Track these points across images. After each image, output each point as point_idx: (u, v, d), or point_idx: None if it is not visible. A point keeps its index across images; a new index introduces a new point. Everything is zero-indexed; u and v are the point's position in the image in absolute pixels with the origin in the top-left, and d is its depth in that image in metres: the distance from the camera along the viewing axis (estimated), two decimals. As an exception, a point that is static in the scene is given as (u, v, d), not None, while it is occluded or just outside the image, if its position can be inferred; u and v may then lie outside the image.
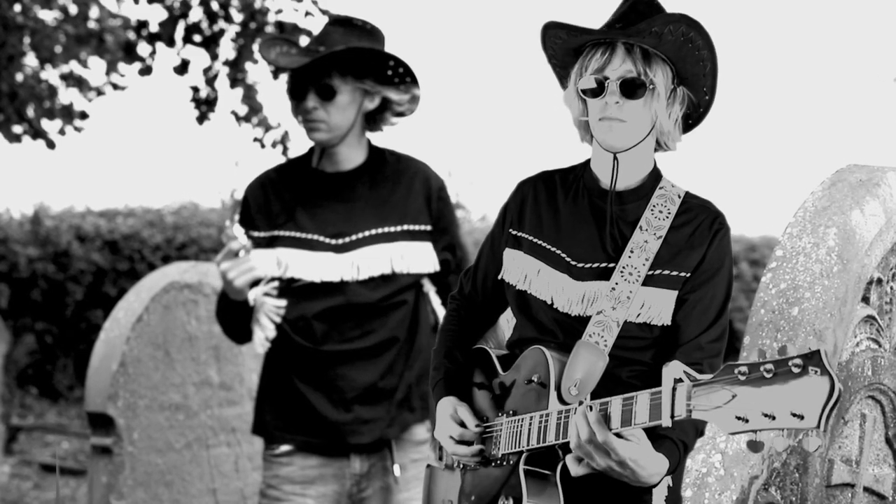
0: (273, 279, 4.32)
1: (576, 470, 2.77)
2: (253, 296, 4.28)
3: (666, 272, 2.96)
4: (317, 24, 10.28)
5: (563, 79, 3.13)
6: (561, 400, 2.89)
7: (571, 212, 3.09)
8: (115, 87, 11.06)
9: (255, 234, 4.35)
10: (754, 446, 2.40)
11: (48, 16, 10.46)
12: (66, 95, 11.05)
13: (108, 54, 10.58)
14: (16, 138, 10.57)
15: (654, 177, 3.08)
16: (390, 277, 4.35)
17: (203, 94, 10.60)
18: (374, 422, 4.35)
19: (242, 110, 10.63)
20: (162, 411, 5.91)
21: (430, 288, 4.48)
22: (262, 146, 10.67)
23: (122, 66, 10.84)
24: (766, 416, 2.36)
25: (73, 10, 10.50)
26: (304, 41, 9.23)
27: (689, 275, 2.97)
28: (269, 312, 4.31)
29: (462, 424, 3.10)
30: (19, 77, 10.51)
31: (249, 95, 10.54)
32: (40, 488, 10.07)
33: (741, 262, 15.92)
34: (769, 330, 3.50)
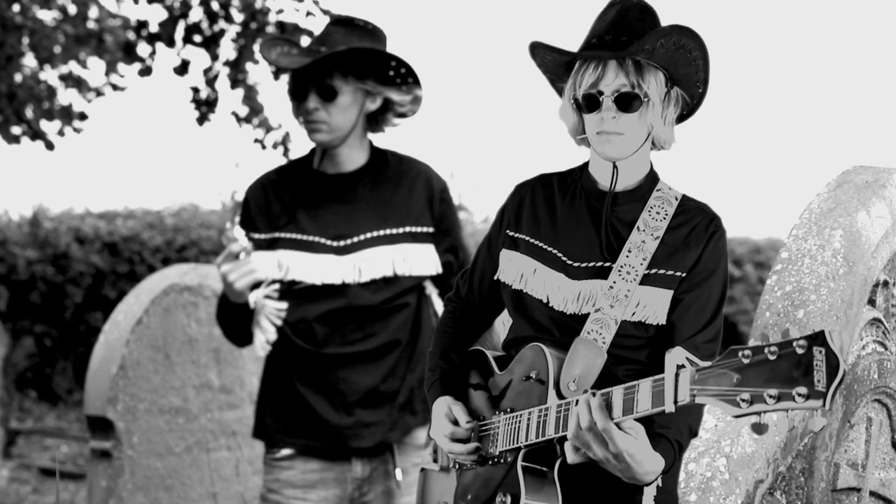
0: (274, 281, 4.32)
1: (572, 457, 2.80)
2: (254, 298, 4.29)
3: (662, 271, 2.99)
4: (318, 25, 10.29)
5: (556, 84, 3.18)
6: (560, 396, 2.91)
7: (568, 213, 3.12)
8: (115, 87, 11.06)
9: (256, 235, 4.35)
10: (759, 429, 2.41)
11: (47, 16, 10.47)
12: (65, 96, 11.07)
13: (107, 55, 10.59)
14: (14, 139, 10.58)
15: (651, 179, 3.11)
16: (392, 280, 4.35)
17: (203, 94, 10.60)
18: (375, 425, 4.34)
19: (243, 111, 10.64)
20: (162, 415, 5.91)
21: (432, 290, 4.48)
22: (263, 147, 10.68)
23: (121, 66, 10.84)
24: (770, 397, 2.37)
25: (73, 9, 10.50)
26: (304, 41, 9.24)
27: (684, 275, 2.99)
28: (270, 315, 4.31)
29: (456, 423, 3.13)
30: (18, 78, 10.52)
31: (250, 96, 10.55)
32: (39, 492, 10.07)
33: (746, 264, 15.92)
34: (774, 333, 3.50)
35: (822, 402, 2.31)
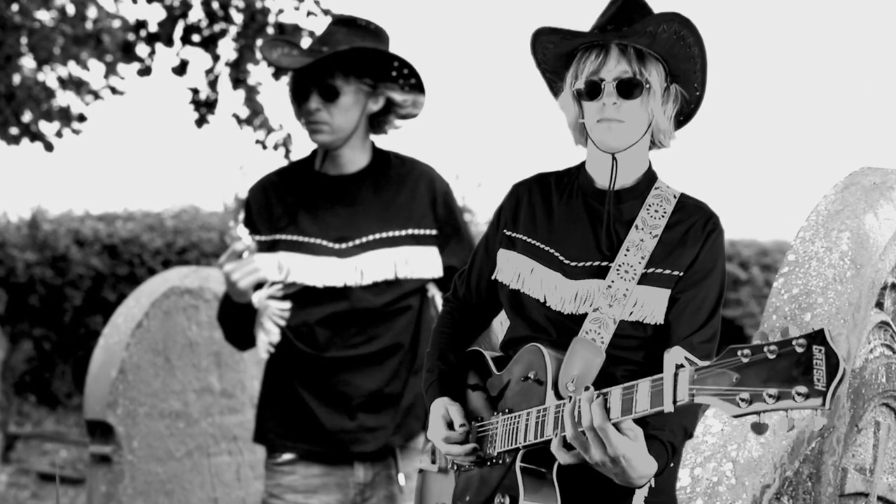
0: (275, 283, 4.32)
1: (563, 457, 2.81)
2: (257, 299, 4.28)
3: (659, 270, 3.00)
4: (318, 25, 10.30)
5: (553, 85, 3.19)
6: (558, 396, 2.92)
7: (565, 212, 3.14)
8: (114, 91, 11.08)
9: (257, 238, 4.35)
10: (759, 428, 2.41)
11: (45, 16, 10.47)
12: (64, 98, 11.08)
13: (107, 55, 10.60)
14: (14, 140, 10.59)
15: (650, 177, 3.13)
16: (395, 282, 4.35)
17: (203, 95, 10.60)
18: (378, 429, 4.34)
19: (244, 113, 10.64)
20: (162, 419, 5.91)
21: (435, 292, 4.47)
22: (264, 147, 10.68)
23: (121, 69, 10.85)
24: (770, 396, 2.37)
25: (71, 9, 10.51)
26: (305, 42, 9.24)
27: (681, 273, 3.00)
28: (273, 316, 4.31)
29: (452, 425, 3.14)
30: (17, 78, 10.53)
31: (251, 97, 10.55)
32: (38, 497, 10.08)
33: (752, 266, 15.92)
34: (778, 335, 3.50)
35: (821, 401, 2.32)
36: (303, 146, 11.06)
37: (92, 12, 10.57)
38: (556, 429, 2.86)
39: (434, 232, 4.41)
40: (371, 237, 4.35)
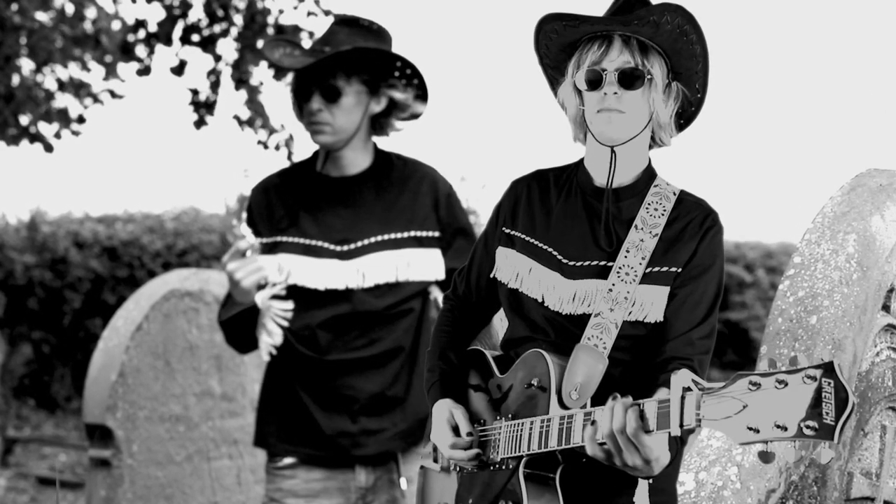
0: (277, 283, 4.32)
1: (594, 450, 2.78)
2: (259, 299, 4.28)
3: (657, 268, 3.01)
4: (318, 25, 10.31)
5: (553, 81, 3.19)
6: (561, 404, 2.92)
7: (564, 210, 3.14)
8: (114, 95, 11.09)
9: (258, 239, 4.35)
10: (766, 457, 2.41)
11: (44, 17, 10.48)
12: (62, 100, 11.08)
13: (106, 55, 10.60)
14: (13, 140, 10.60)
15: (649, 174, 3.13)
16: (396, 285, 4.35)
17: (203, 96, 10.61)
18: (380, 433, 4.34)
19: (245, 114, 10.64)
20: (162, 423, 5.92)
21: (437, 295, 4.47)
22: (266, 148, 10.68)
23: (121, 71, 10.86)
24: (778, 427, 2.37)
25: (70, 9, 10.51)
26: (305, 43, 9.24)
27: (679, 270, 3.01)
28: (276, 317, 4.30)
29: (457, 429, 3.14)
30: (15, 79, 10.53)
31: (253, 98, 10.55)
32: (37, 502, 10.08)
33: (758, 269, 15.91)
34: (787, 339, 3.50)
35: (830, 435, 2.32)
36: (305, 147, 11.07)
37: (91, 13, 10.57)
38: (560, 441, 2.86)
39: (437, 234, 4.40)
40: (373, 239, 4.35)
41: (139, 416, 5.79)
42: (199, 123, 10.65)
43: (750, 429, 2.41)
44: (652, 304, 2.98)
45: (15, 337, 13.36)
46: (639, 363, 3.00)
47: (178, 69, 10.38)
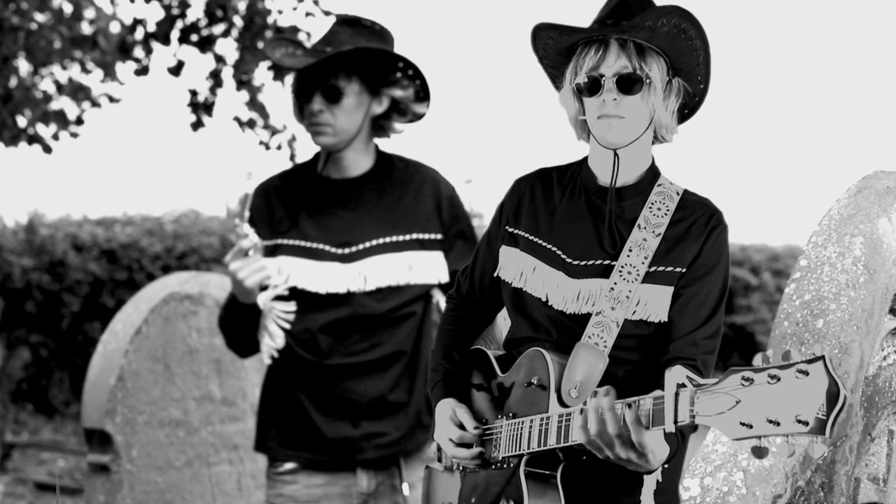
0: (279, 285, 4.32)
1: (582, 437, 2.81)
2: (261, 300, 4.27)
3: (661, 268, 3.03)
4: (318, 26, 10.34)
5: (555, 79, 3.21)
6: (561, 402, 2.95)
7: (568, 209, 3.17)
8: (111, 99, 11.12)
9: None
10: (759, 452, 2.44)
11: (42, 18, 10.49)
12: (60, 102, 11.09)
13: (105, 56, 10.61)
14: (12, 141, 10.62)
15: (652, 174, 3.15)
16: (398, 288, 4.35)
17: (202, 97, 10.61)
18: (381, 437, 4.34)
19: (245, 116, 10.65)
20: (162, 427, 5.91)
21: (440, 298, 4.47)
22: (268, 148, 10.69)
23: (120, 74, 10.88)
24: (770, 422, 2.39)
25: (69, 9, 10.53)
26: (305, 43, 9.25)
27: (684, 270, 3.04)
28: (278, 319, 4.30)
29: (461, 427, 3.18)
30: (13, 81, 10.55)
31: (254, 99, 10.56)
32: (35, 507, 10.09)
33: (764, 272, 15.91)
34: (793, 342, 3.49)
35: (822, 429, 2.34)
36: (308, 147, 11.07)
37: (90, 13, 10.58)
38: (559, 439, 2.89)
39: (439, 236, 4.40)
40: (375, 242, 4.34)
41: (138, 421, 5.79)
42: (197, 125, 10.66)
43: (743, 424, 2.44)
44: (655, 303, 3.01)
45: (13, 341, 13.36)
46: (644, 363, 3.02)
47: (176, 69, 10.39)
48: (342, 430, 4.31)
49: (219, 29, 10.34)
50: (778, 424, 2.37)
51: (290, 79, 4.51)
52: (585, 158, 3.21)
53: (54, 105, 10.93)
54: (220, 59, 10.47)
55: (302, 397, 4.33)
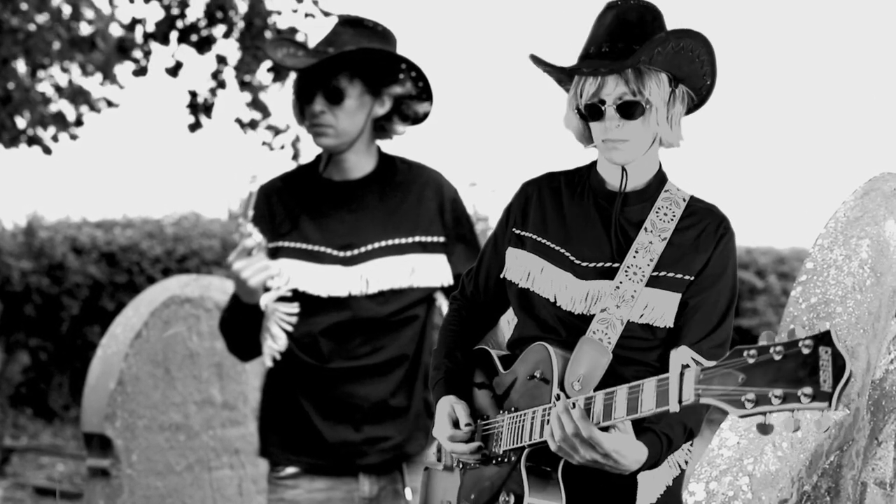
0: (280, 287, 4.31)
1: (556, 448, 2.90)
2: (264, 301, 4.27)
3: (670, 274, 3.08)
4: (317, 26, 10.34)
5: (563, 83, 3.25)
6: (564, 395, 2.99)
7: (577, 212, 3.21)
8: (110, 104, 11.13)
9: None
10: (764, 429, 2.46)
11: (41, 19, 10.50)
12: (60, 104, 11.11)
13: (103, 57, 10.62)
14: (12, 142, 10.63)
15: (660, 179, 3.21)
16: (401, 291, 4.35)
17: (201, 98, 10.61)
18: (384, 442, 4.34)
19: (247, 117, 10.65)
20: (162, 432, 5.92)
21: (442, 301, 4.46)
22: (271, 149, 10.69)
23: (120, 78, 10.89)
24: (776, 397, 2.42)
25: (67, 10, 10.53)
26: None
27: (692, 278, 3.09)
28: (280, 321, 4.30)
29: (458, 423, 3.21)
30: (12, 83, 10.56)
31: (256, 100, 10.57)
32: (34, 512, 10.10)
33: (770, 275, 15.90)
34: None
35: (828, 402, 2.36)
36: (312, 148, 11.06)
37: (89, 14, 10.59)
38: None
39: (442, 239, 4.40)
40: (377, 245, 4.34)
41: (138, 425, 5.79)
42: (195, 126, 10.66)
43: (749, 401, 2.47)
44: (662, 308, 3.06)
45: (12, 344, 13.36)
46: (652, 367, 3.04)
47: (174, 70, 10.39)
48: (344, 435, 4.31)
49: (219, 30, 10.35)
50: (784, 399, 2.40)
51: (291, 79, 4.50)
52: (594, 163, 3.27)
53: (53, 107, 10.94)
54: (221, 60, 10.47)
55: (303, 401, 4.33)
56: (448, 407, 3.24)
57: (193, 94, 10.60)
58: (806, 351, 2.39)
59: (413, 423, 4.39)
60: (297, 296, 4.31)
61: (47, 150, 10.84)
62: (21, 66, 10.69)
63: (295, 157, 10.69)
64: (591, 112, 3.07)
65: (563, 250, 3.17)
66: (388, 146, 4.52)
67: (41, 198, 24.35)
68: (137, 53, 10.64)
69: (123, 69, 10.91)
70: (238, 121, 10.64)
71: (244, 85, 10.49)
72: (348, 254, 4.33)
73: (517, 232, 3.27)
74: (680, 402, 2.63)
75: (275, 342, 4.31)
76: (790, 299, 3.63)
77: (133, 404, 5.78)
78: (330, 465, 4.33)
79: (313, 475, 4.35)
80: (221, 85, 10.54)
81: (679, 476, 3.17)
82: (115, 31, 10.72)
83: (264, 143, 10.71)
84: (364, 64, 4.30)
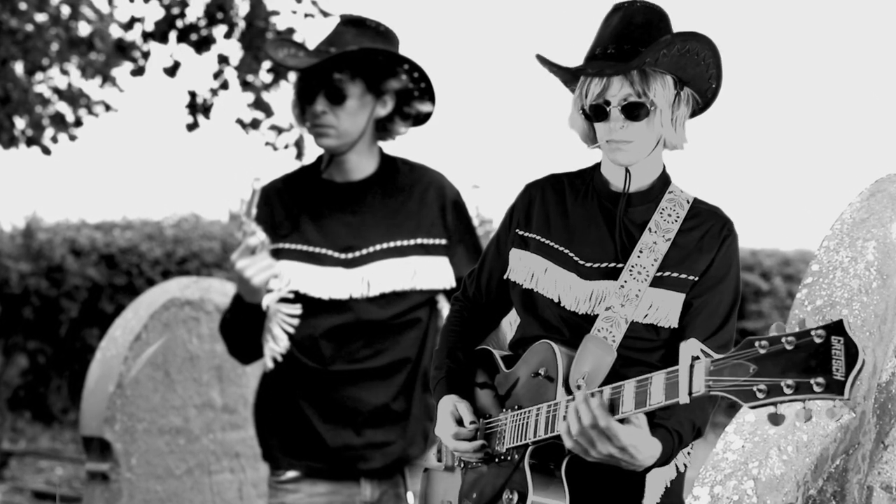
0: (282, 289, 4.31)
1: (571, 445, 2.89)
2: (266, 302, 4.26)
3: (674, 274, 3.10)
4: (317, 27, 10.35)
5: (569, 84, 3.27)
6: (568, 393, 3.00)
7: (580, 213, 3.24)
8: (108, 108, 11.15)
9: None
10: (775, 419, 2.47)
11: (39, 19, 10.50)
12: (58, 105, 11.12)
13: (102, 58, 10.62)
14: (11, 142, 10.64)
15: (664, 181, 3.24)
16: (403, 294, 4.34)
17: (201, 99, 10.62)
18: (386, 446, 4.34)
19: (248, 117, 10.65)
20: (161, 435, 5.92)
21: (444, 304, 4.46)
22: (275, 149, 10.70)
23: (120, 80, 10.90)
24: (788, 387, 2.42)
25: (66, 10, 10.54)
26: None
27: (696, 279, 3.11)
28: (282, 322, 4.29)
29: (461, 422, 3.22)
30: (10, 84, 10.57)
31: (259, 99, 10.58)
32: (33, 516, 10.10)
33: (775, 277, 15.90)
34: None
35: (841, 391, 2.36)
36: (315, 148, 11.05)
37: (88, 14, 10.59)
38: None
39: (444, 241, 4.40)
40: (378, 247, 4.34)
41: (138, 429, 5.80)
42: (192, 126, 10.66)
43: (760, 391, 2.47)
44: (666, 308, 3.08)
45: (10, 347, 13.37)
46: (656, 368, 3.04)
47: (172, 70, 10.40)
48: (345, 438, 4.31)
49: (220, 30, 10.35)
50: (796, 389, 2.41)
51: (292, 79, 4.50)
52: (598, 164, 3.29)
53: (52, 108, 10.95)
54: (223, 60, 10.48)
55: (303, 405, 4.32)
56: (450, 406, 3.26)
57: (193, 95, 10.60)
58: (818, 340, 2.40)
59: (414, 426, 4.39)
60: (297, 298, 4.31)
61: (46, 151, 10.85)
62: (19, 67, 10.69)
63: (299, 156, 10.70)
64: (595, 113, 3.09)
65: (566, 251, 3.19)
66: (391, 147, 4.53)
67: (40, 199, 24.38)
68: (136, 54, 10.64)
69: (122, 71, 10.92)
70: (239, 121, 10.64)
71: (246, 85, 10.49)
72: (349, 256, 4.33)
73: (521, 233, 3.29)
74: (690, 393, 2.63)
75: (276, 343, 4.30)
76: (795, 301, 3.63)
77: (132, 408, 5.78)
78: (331, 469, 4.33)
79: (314, 479, 4.35)
80: (224, 86, 10.54)
81: (677, 478, 3.18)
82: (115, 31, 10.72)
83: (268, 144, 10.71)
84: (366, 64, 4.30)
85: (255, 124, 10.64)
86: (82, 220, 14.43)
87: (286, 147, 10.71)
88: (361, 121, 4.32)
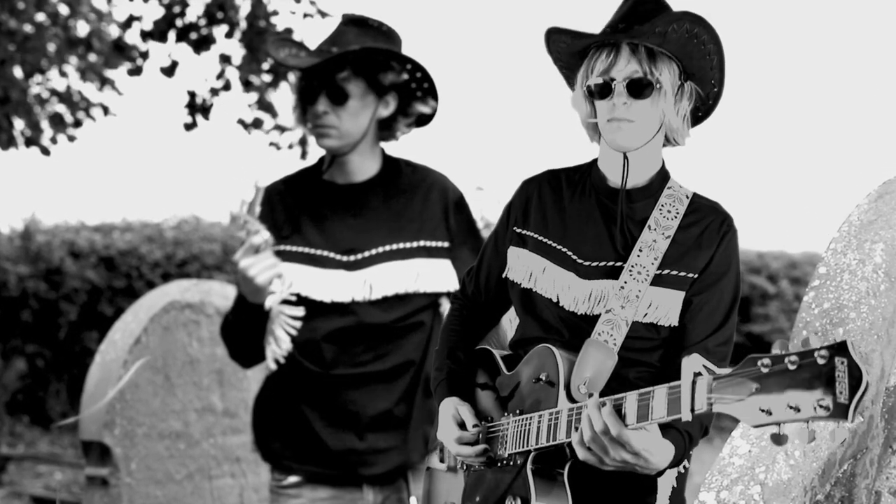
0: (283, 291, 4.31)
1: (586, 455, 2.89)
2: (269, 303, 4.26)
3: (674, 272, 3.10)
4: (317, 28, 10.36)
5: (570, 80, 3.28)
6: (570, 398, 3.02)
7: (578, 210, 3.23)
8: (106, 112, 11.16)
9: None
10: (778, 440, 2.47)
11: (38, 18, 10.52)
12: (57, 106, 11.13)
13: (101, 59, 10.63)
14: (10, 142, 10.65)
15: (663, 176, 3.23)
16: (405, 297, 4.34)
17: (200, 99, 10.62)
18: (388, 451, 4.34)
19: (249, 117, 10.66)
20: (161, 440, 5.92)
21: (447, 308, 4.45)
22: (279, 148, 10.71)
23: (119, 82, 10.91)
24: (791, 408, 2.42)
25: (65, 10, 10.55)
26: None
27: (696, 276, 3.11)
28: (285, 324, 4.29)
29: (463, 425, 3.23)
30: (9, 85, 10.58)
31: (262, 99, 10.58)
32: (32, 521, 10.09)
33: (781, 279, 15.89)
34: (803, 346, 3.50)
35: (844, 414, 2.36)
36: (318, 148, 11.06)
37: (87, 14, 10.60)
38: (569, 433, 2.94)
39: (447, 244, 4.39)
40: (381, 249, 4.34)
41: (138, 433, 5.80)
42: (190, 126, 10.67)
43: (762, 411, 2.47)
44: (666, 307, 3.08)
45: (8, 351, 13.37)
46: (656, 369, 3.06)
47: (170, 70, 10.40)
48: (348, 443, 4.30)
49: (221, 30, 10.36)
50: (798, 410, 2.40)
51: (291, 79, 4.50)
52: (595, 160, 3.28)
53: (50, 109, 10.96)
54: (225, 59, 10.48)
55: (305, 408, 4.32)
56: (452, 409, 3.26)
57: (192, 95, 10.61)
58: (821, 361, 2.38)
59: (416, 431, 4.38)
60: (299, 301, 4.31)
61: (45, 152, 10.86)
62: (17, 68, 10.70)
63: (303, 156, 10.70)
64: (600, 90, 3.08)
65: (565, 249, 3.19)
66: (393, 149, 4.52)
67: (38, 201, 24.38)
68: (134, 53, 10.65)
69: (120, 74, 10.94)
70: (241, 121, 10.64)
71: (248, 85, 10.50)
72: (352, 258, 4.33)
73: (518, 231, 3.29)
74: (692, 410, 2.63)
75: (278, 345, 4.30)
76: (803, 304, 3.63)
77: (132, 412, 5.78)
78: (333, 473, 4.33)
79: (316, 484, 4.35)
80: (226, 86, 10.55)
81: (680, 478, 3.19)
82: (113, 31, 10.72)
83: (272, 144, 10.72)
84: (368, 64, 4.30)
85: (256, 124, 10.65)
86: (81, 221, 14.43)
87: (290, 147, 10.72)
88: (363, 121, 4.32)
